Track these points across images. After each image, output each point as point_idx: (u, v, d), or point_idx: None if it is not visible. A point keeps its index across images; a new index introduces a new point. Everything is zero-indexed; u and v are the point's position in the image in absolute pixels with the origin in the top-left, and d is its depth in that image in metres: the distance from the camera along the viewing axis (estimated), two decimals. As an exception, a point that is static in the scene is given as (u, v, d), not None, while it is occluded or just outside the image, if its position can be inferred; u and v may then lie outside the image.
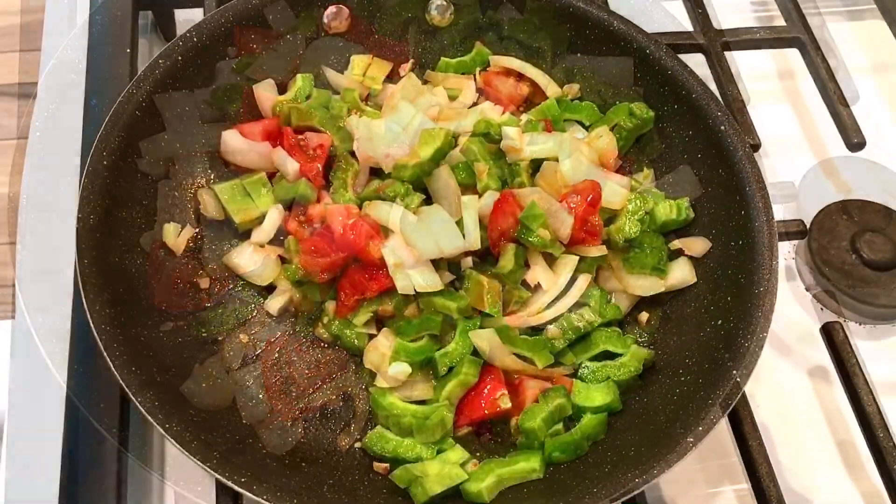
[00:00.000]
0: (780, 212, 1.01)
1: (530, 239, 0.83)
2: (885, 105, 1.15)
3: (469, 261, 0.84)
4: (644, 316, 0.88)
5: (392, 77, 1.01)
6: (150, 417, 0.70)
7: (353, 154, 0.91)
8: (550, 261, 0.86)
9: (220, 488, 0.75)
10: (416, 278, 0.81)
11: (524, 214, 0.83)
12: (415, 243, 0.81)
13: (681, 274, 0.87)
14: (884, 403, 0.84)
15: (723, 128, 0.88)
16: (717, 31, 1.08)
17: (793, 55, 1.13)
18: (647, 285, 0.87)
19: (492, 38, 1.01)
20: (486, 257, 0.86)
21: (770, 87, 1.16)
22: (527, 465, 0.77)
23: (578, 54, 0.98)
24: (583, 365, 0.84)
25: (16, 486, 0.78)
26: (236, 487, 0.68)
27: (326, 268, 0.84)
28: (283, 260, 0.88)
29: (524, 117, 0.95)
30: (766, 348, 0.77)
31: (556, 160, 0.88)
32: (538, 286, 0.84)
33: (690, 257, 0.88)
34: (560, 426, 0.80)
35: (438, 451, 0.79)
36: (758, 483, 0.79)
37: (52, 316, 0.86)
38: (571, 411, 0.81)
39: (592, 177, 0.87)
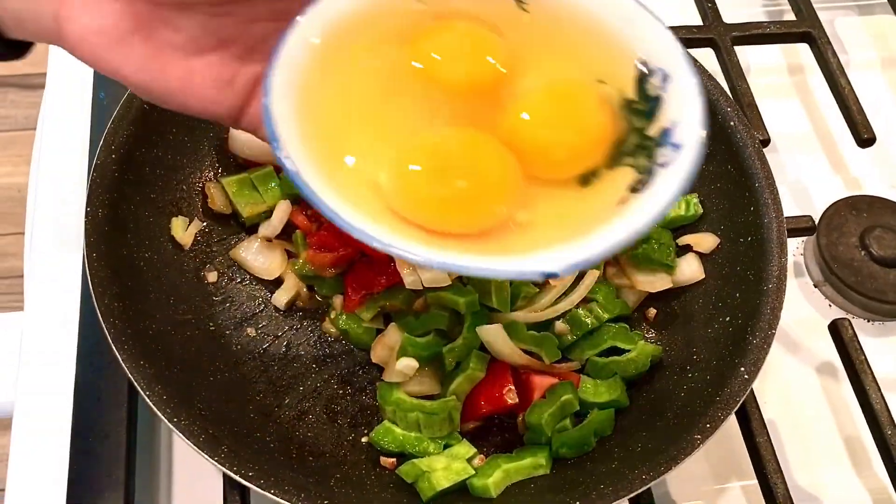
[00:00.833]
0: (789, 208, 1.01)
1: None
2: (896, 100, 1.14)
3: None
4: (652, 312, 0.88)
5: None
6: (158, 411, 0.70)
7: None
8: (558, 256, 0.86)
9: (228, 482, 0.75)
10: (423, 273, 0.81)
11: None
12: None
13: (689, 270, 0.87)
14: (891, 400, 0.84)
15: (732, 123, 0.87)
16: (726, 26, 1.07)
17: (803, 50, 1.12)
18: (654, 281, 0.86)
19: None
20: (493, 252, 0.86)
21: (779, 82, 1.15)
22: (534, 461, 0.77)
23: (587, 48, 0.98)
24: (590, 360, 0.84)
25: (23, 479, 0.79)
26: (244, 481, 0.68)
27: (334, 263, 0.84)
28: (290, 254, 0.88)
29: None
30: (773, 344, 0.77)
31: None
32: (546, 282, 0.84)
33: (699, 253, 0.88)
34: (567, 422, 0.80)
35: (445, 446, 0.79)
36: (765, 479, 0.79)
37: (61, 308, 0.86)
38: (578, 407, 0.81)
39: (601, 172, 0.87)
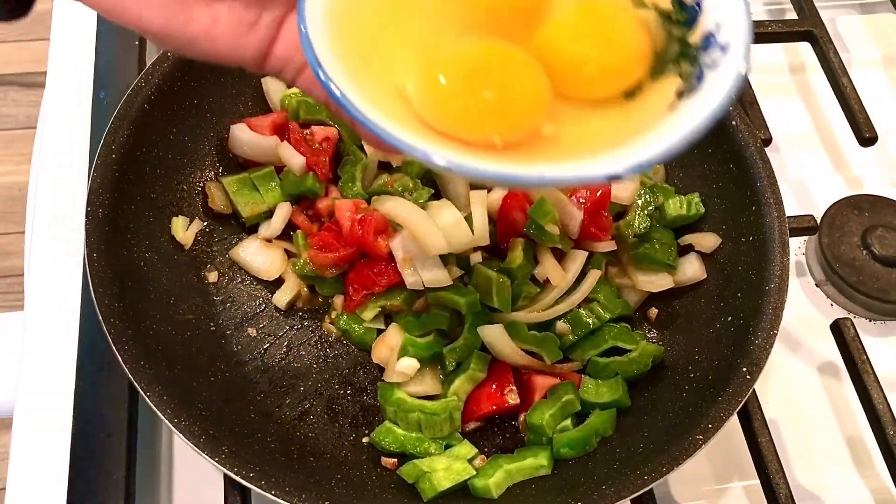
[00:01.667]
0: (791, 207, 1.00)
1: (539, 234, 0.82)
2: (898, 99, 1.14)
3: (478, 256, 0.84)
4: (653, 312, 0.88)
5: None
6: (158, 412, 0.70)
7: (361, 148, 0.90)
8: (559, 256, 0.86)
9: (228, 483, 0.75)
10: (424, 273, 0.81)
11: (533, 210, 0.83)
12: (423, 238, 0.81)
13: (691, 270, 0.87)
14: (893, 400, 0.84)
15: (734, 122, 0.87)
16: (728, 25, 1.07)
17: (804, 49, 1.12)
18: (656, 281, 0.86)
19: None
20: (495, 252, 0.86)
21: (781, 80, 1.15)
22: (535, 461, 0.77)
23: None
24: (591, 361, 0.84)
25: (23, 479, 0.79)
26: (245, 482, 0.68)
27: (334, 263, 0.84)
28: (289, 254, 0.88)
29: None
30: (775, 344, 0.77)
31: (566, 154, 0.88)
32: (547, 282, 0.84)
33: (700, 253, 0.88)
34: (568, 422, 0.80)
35: (446, 447, 0.79)
36: (767, 479, 0.79)
37: (61, 308, 0.86)
38: (580, 407, 0.81)
39: (602, 171, 0.87)
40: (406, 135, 0.48)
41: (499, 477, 0.75)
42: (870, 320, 0.96)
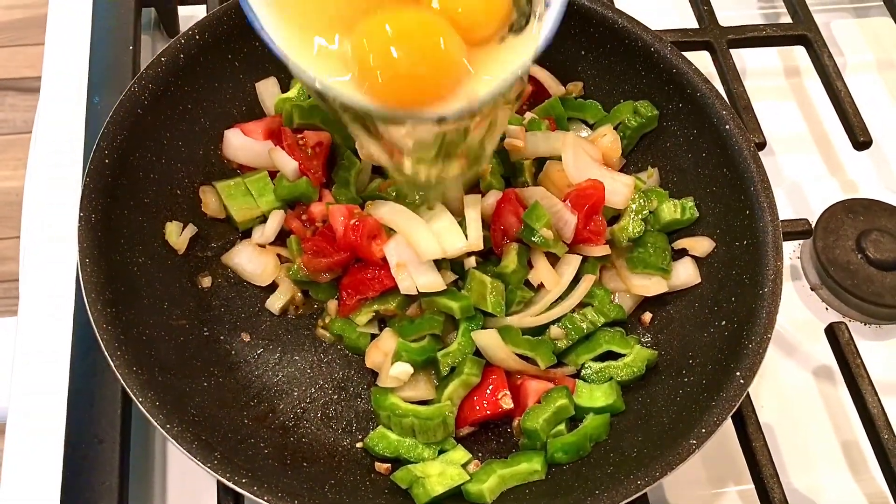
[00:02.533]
0: (785, 211, 1.01)
1: (533, 239, 0.82)
2: (892, 103, 1.14)
3: (472, 260, 0.84)
4: (647, 316, 0.88)
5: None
6: (150, 418, 0.70)
7: (355, 152, 0.90)
8: (553, 260, 0.85)
9: (222, 489, 0.75)
10: (418, 278, 0.81)
11: (527, 214, 0.82)
12: (417, 244, 0.81)
13: (685, 274, 0.87)
14: (888, 404, 0.84)
15: (728, 126, 0.87)
16: (722, 29, 1.07)
17: (799, 52, 1.12)
18: (650, 285, 0.86)
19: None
20: (489, 257, 0.86)
21: (775, 84, 1.15)
22: (529, 466, 0.77)
23: (583, 52, 0.98)
24: (585, 365, 0.83)
25: (16, 484, 0.78)
26: (237, 488, 0.68)
27: (328, 268, 0.84)
28: (283, 259, 0.88)
29: (528, 115, 0.95)
30: (769, 348, 0.77)
31: (560, 159, 0.88)
32: (541, 286, 0.84)
33: (694, 257, 0.88)
34: (562, 427, 0.80)
35: (440, 452, 0.79)
36: (761, 483, 0.79)
37: (54, 313, 0.86)
38: (574, 412, 0.80)
39: (596, 176, 0.87)
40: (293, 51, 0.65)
41: (493, 482, 0.75)
42: (864, 324, 0.96)
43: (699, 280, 0.87)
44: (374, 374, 0.83)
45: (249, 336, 0.85)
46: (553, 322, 0.83)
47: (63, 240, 0.90)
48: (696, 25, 1.10)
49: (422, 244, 0.81)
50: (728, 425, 0.75)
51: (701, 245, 0.88)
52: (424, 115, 0.66)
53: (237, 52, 0.92)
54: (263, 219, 0.89)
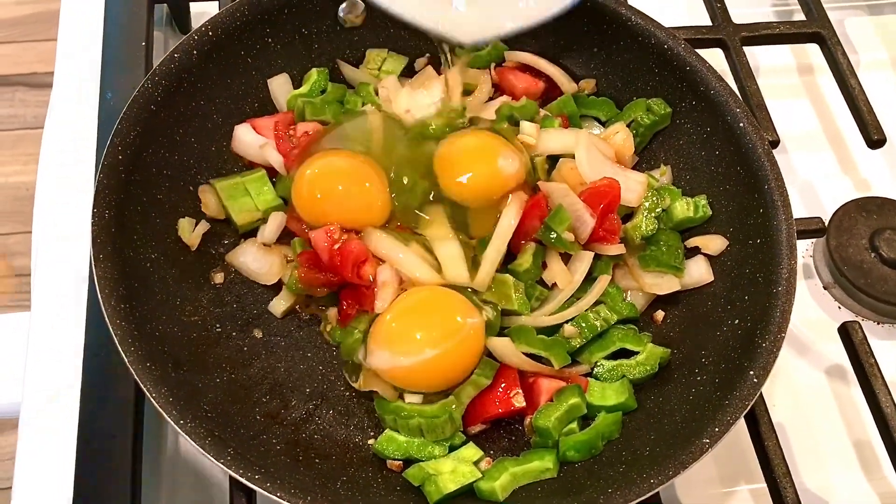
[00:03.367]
0: (798, 209, 1.00)
1: (553, 240, 0.82)
2: (906, 101, 1.14)
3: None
4: (660, 314, 0.88)
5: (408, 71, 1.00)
6: (164, 413, 0.70)
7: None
8: (565, 258, 0.85)
9: (234, 484, 0.75)
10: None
11: (551, 217, 0.82)
12: (410, 275, 0.82)
13: (697, 272, 0.86)
14: (901, 404, 0.84)
15: (741, 124, 0.87)
16: (735, 26, 1.07)
17: (812, 50, 1.12)
18: (663, 284, 0.86)
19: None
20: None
21: (789, 82, 1.15)
22: (541, 464, 0.77)
23: (595, 49, 0.97)
24: (598, 363, 0.83)
25: (29, 479, 0.79)
26: (250, 484, 0.68)
27: (323, 283, 0.83)
28: (290, 259, 0.87)
29: (541, 113, 0.94)
30: (782, 347, 0.76)
31: (573, 156, 0.88)
32: (555, 285, 0.84)
33: (707, 255, 0.87)
34: (575, 425, 0.80)
35: (451, 449, 0.78)
36: (774, 483, 0.79)
37: (68, 309, 0.86)
38: (586, 410, 0.80)
39: (609, 173, 0.87)
40: None
41: (504, 480, 0.75)
42: (878, 323, 0.96)
43: (712, 278, 0.86)
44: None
45: (261, 332, 0.85)
46: (567, 321, 0.83)
47: (75, 236, 0.91)
48: (709, 23, 1.09)
49: (415, 275, 0.82)
50: (740, 424, 0.75)
51: (714, 243, 0.87)
52: None
53: (249, 48, 0.93)
54: (263, 220, 0.88)
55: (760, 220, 0.84)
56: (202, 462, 0.70)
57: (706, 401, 0.76)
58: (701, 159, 0.91)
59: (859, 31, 1.20)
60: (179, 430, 0.69)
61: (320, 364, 0.84)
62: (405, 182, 0.87)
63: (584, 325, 0.83)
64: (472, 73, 0.98)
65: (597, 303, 0.85)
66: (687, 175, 0.92)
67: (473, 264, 0.84)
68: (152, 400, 0.70)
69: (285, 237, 0.88)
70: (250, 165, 0.91)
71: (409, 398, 0.80)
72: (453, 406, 0.78)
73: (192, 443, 0.69)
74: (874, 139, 1.00)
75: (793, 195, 0.85)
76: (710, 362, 0.81)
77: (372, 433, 0.81)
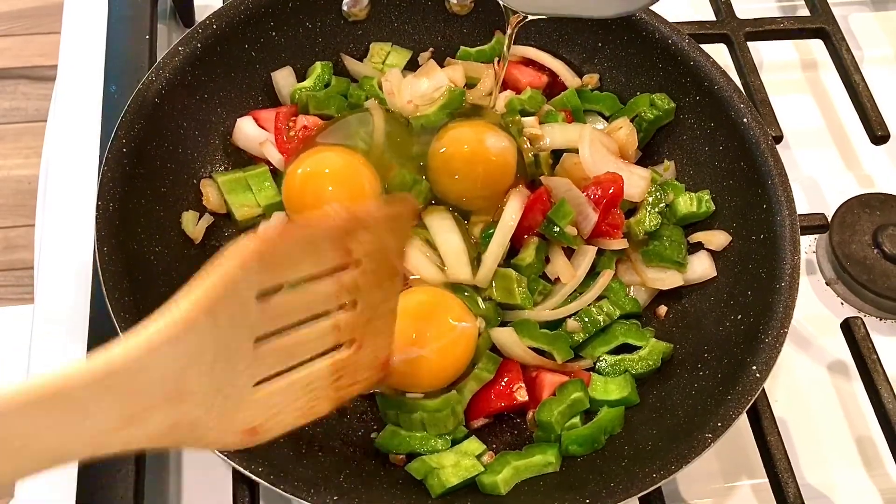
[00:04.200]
0: (802, 205, 1.00)
1: (556, 234, 0.82)
2: (910, 97, 1.13)
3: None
4: (662, 309, 0.88)
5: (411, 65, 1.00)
6: (168, 406, 0.70)
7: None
8: (568, 252, 0.85)
9: (238, 477, 0.75)
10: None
11: (554, 212, 0.82)
12: (416, 273, 0.82)
13: (700, 268, 0.86)
14: (904, 400, 0.84)
15: (745, 119, 0.87)
16: (739, 21, 1.07)
17: (816, 46, 1.11)
18: (665, 279, 0.86)
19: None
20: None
21: (793, 78, 1.15)
22: (543, 459, 0.77)
23: (599, 44, 0.97)
24: (601, 358, 0.83)
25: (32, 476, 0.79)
26: (253, 477, 0.68)
27: None
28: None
29: (544, 107, 0.94)
30: (785, 343, 0.77)
31: (576, 151, 0.88)
32: (558, 280, 0.84)
33: (711, 251, 0.88)
34: (577, 419, 0.80)
35: (454, 443, 0.78)
36: (776, 478, 0.79)
37: (71, 302, 0.86)
38: (589, 405, 0.80)
39: (613, 168, 0.87)
40: None
41: (507, 473, 0.75)
42: (880, 319, 0.96)
43: (715, 274, 0.87)
44: (389, 365, 0.83)
45: (265, 326, 0.85)
46: (569, 315, 0.83)
47: (79, 229, 0.91)
48: (713, 18, 1.09)
49: (421, 272, 0.82)
50: (742, 419, 0.75)
51: (717, 239, 0.87)
52: None
53: (253, 41, 0.93)
54: (264, 216, 0.88)
55: (764, 215, 0.84)
56: (205, 456, 0.69)
57: (708, 396, 0.77)
58: (704, 154, 0.91)
59: (863, 26, 1.20)
60: (183, 423, 0.69)
61: (323, 358, 0.84)
62: (406, 180, 0.87)
63: (586, 319, 0.83)
64: (474, 66, 0.98)
65: (600, 297, 0.85)
66: (690, 170, 0.93)
67: (476, 262, 0.84)
68: (156, 393, 0.70)
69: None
70: (253, 159, 0.91)
71: (411, 393, 0.80)
72: (456, 400, 0.78)
73: (196, 436, 0.69)
74: (878, 135, 1.00)
75: (796, 191, 0.85)
76: (713, 357, 0.81)
77: (375, 427, 0.81)
